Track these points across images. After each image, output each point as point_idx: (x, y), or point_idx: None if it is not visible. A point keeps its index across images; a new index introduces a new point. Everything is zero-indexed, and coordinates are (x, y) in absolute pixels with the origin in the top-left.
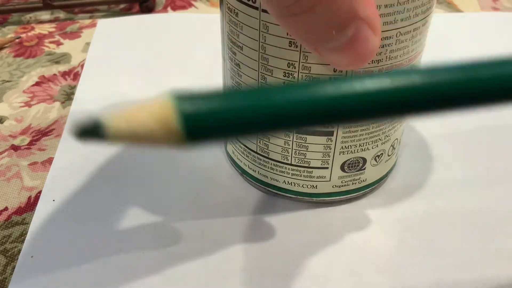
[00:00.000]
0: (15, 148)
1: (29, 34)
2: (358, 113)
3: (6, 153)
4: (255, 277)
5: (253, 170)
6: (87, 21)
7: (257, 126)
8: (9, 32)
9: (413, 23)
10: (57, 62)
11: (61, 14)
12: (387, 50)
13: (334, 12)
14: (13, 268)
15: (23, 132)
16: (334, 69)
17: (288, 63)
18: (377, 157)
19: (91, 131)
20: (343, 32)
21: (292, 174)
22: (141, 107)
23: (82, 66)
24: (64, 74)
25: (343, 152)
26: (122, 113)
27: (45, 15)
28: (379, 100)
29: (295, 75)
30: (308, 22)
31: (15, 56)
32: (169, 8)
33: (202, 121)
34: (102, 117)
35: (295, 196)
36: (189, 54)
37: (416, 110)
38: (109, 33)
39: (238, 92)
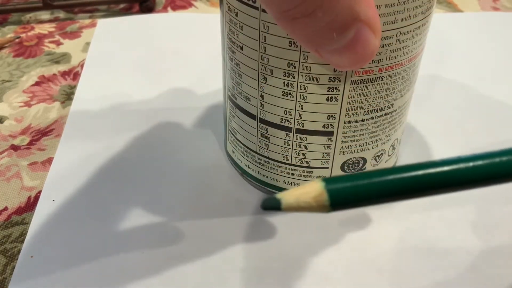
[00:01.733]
0: (15, 148)
1: (29, 34)
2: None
3: (6, 153)
4: (255, 277)
5: (253, 170)
6: (87, 21)
7: (370, 199)
8: (9, 32)
9: (413, 23)
10: (57, 62)
11: (61, 14)
12: (387, 50)
13: (335, 16)
14: (13, 268)
15: (23, 132)
16: (334, 69)
17: (288, 63)
18: (377, 157)
19: (272, 205)
20: (343, 35)
21: (292, 174)
22: (302, 189)
23: (82, 66)
24: (64, 74)
25: (343, 152)
26: (291, 193)
27: (45, 15)
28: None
29: (295, 75)
30: (309, 25)
31: (15, 56)
32: (169, 8)
33: (341, 197)
34: (280, 196)
35: None
36: (189, 54)
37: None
38: (109, 33)
39: (358, 175)
